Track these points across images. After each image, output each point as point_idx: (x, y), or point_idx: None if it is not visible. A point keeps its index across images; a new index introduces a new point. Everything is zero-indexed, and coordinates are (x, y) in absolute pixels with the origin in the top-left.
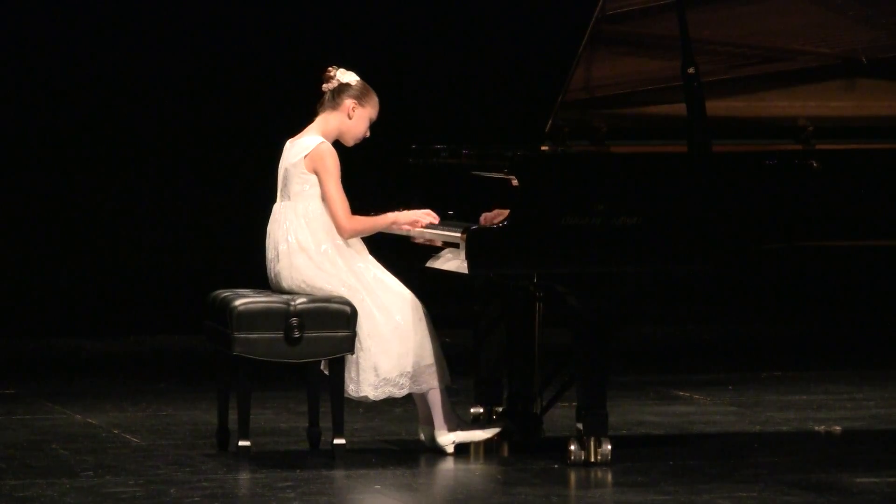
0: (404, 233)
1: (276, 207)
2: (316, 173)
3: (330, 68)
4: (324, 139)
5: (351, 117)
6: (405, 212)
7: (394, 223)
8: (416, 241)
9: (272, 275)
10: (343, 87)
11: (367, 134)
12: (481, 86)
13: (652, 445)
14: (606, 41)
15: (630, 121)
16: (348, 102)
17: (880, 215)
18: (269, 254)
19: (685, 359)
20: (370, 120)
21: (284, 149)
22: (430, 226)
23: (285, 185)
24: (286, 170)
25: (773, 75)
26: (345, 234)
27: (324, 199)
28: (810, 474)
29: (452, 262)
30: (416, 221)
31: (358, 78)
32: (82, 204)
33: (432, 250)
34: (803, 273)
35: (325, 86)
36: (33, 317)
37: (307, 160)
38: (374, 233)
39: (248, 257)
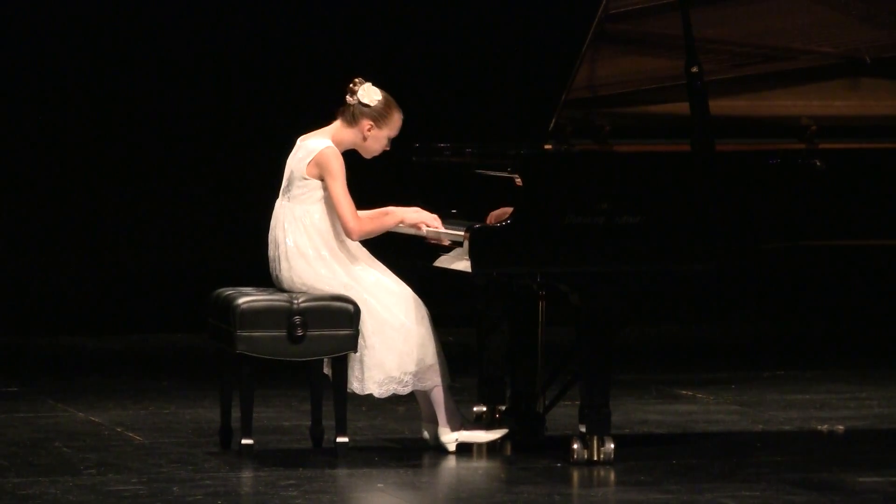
0: (414, 232)
1: (277, 204)
2: (321, 178)
3: (356, 80)
4: (331, 143)
5: (366, 138)
6: (409, 210)
7: (401, 222)
8: (428, 240)
9: (274, 274)
10: (363, 107)
11: (388, 148)
12: (485, 84)
13: (655, 444)
14: (610, 40)
15: (633, 120)
16: (364, 123)
17: (883, 215)
18: (271, 252)
19: (688, 358)
20: (388, 138)
21: (295, 146)
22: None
23: (289, 183)
24: (291, 170)
25: (776, 74)
26: (354, 236)
27: (330, 201)
28: (813, 473)
29: (456, 260)
30: (422, 223)
31: (380, 98)
32: (85, 201)
33: (440, 249)
34: (806, 272)
35: (347, 98)
36: (36, 315)
37: (311, 165)
38: (382, 233)
39: (251, 255)
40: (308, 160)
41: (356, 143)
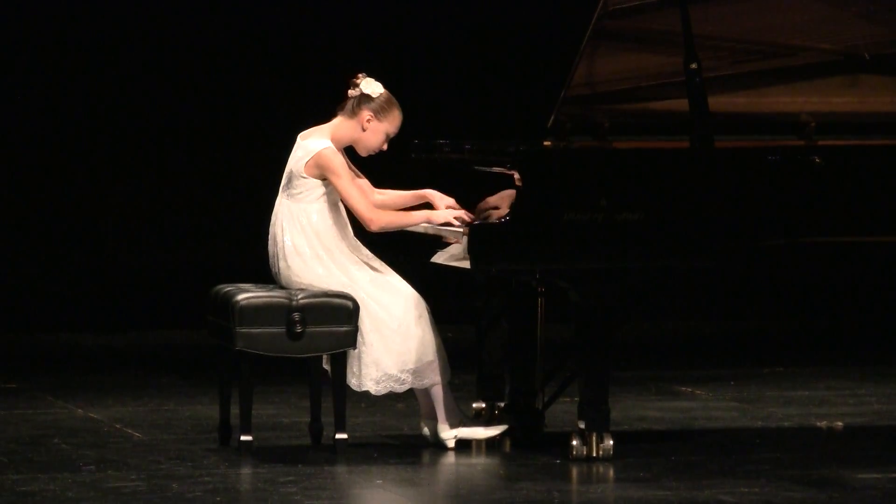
0: (423, 230)
1: (277, 200)
2: (320, 178)
3: (358, 75)
4: (329, 143)
5: (365, 129)
6: (439, 212)
7: (426, 220)
8: (428, 234)
9: (274, 271)
10: (364, 98)
11: (384, 147)
12: (484, 81)
13: (654, 441)
14: (609, 37)
15: (632, 116)
16: (365, 114)
17: (882, 211)
18: (270, 248)
19: (687, 354)
20: (387, 135)
21: (296, 144)
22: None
23: (288, 181)
24: (290, 168)
25: (775, 71)
26: (373, 227)
27: (329, 201)
28: (812, 470)
29: (455, 257)
30: (450, 224)
31: (383, 91)
32: (84, 198)
33: (438, 245)
34: (805, 269)
35: (349, 91)
36: (35, 312)
37: (309, 165)
38: (402, 228)
39: (250, 252)
40: (306, 160)
41: (354, 136)
